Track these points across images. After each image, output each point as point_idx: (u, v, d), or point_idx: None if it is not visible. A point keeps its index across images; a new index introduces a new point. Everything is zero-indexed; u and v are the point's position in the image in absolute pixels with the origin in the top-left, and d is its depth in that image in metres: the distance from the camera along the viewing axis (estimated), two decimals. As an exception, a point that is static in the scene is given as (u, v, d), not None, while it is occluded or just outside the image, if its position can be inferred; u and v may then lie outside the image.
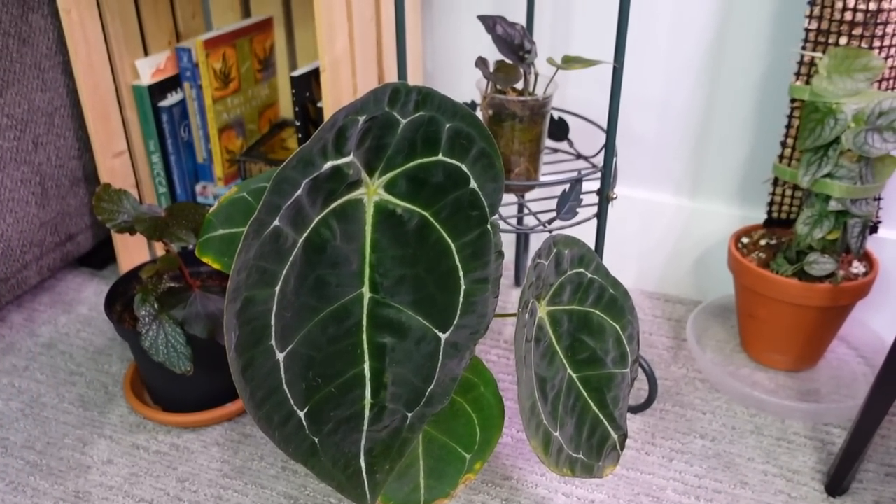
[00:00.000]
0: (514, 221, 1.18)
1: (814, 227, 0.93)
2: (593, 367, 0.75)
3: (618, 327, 0.77)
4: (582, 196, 0.83)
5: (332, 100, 0.96)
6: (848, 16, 0.88)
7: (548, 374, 0.71)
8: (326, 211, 0.59)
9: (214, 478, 0.88)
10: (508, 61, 0.86)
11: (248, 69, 1.22)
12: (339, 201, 0.60)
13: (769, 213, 1.03)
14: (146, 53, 1.17)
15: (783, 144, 0.97)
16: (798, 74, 0.93)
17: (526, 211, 1.10)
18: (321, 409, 0.59)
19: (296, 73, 1.07)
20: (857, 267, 0.98)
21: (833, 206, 0.91)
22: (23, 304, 1.19)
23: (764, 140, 1.07)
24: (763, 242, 1.04)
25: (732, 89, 1.06)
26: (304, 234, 0.58)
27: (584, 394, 0.74)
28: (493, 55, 1.14)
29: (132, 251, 1.21)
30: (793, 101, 0.95)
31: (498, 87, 0.87)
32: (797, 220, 0.94)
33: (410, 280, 0.62)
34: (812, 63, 0.92)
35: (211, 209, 0.71)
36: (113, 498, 0.85)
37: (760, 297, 0.98)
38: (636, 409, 0.97)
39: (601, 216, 0.87)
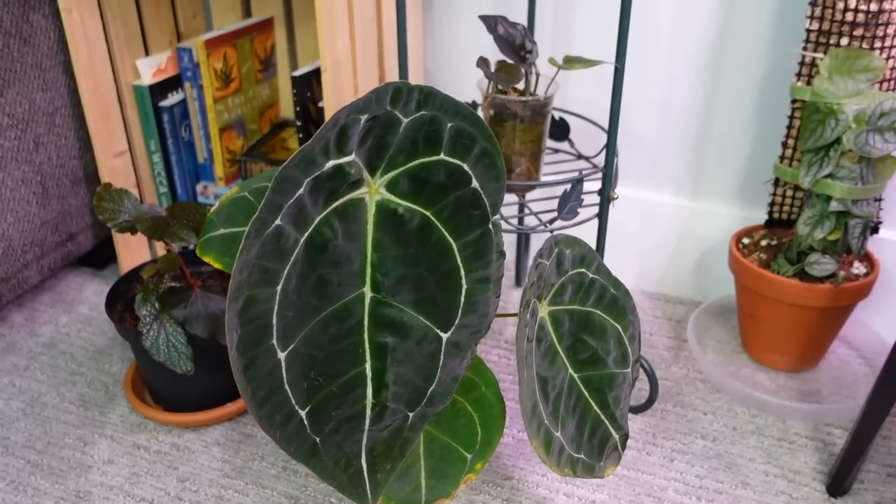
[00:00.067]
0: (514, 221, 1.18)
1: (815, 227, 0.93)
2: (595, 367, 0.75)
3: (619, 327, 0.77)
4: (583, 196, 0.83)
5: (334, 100, 0.96)
6: (849, 16, 0.88)
7: (549, 374, 0.71)
8: (328, 210, 0.59)
9: (215, 478, 0.88)
10: (510, 61, 0.86)
11: (249, 69, 1.22)
12: (341, 200, 0.60)
13: (770, 213, 1.03)
14: (147, 53, 1.17)
15: (784, 145, 0.97)
16: (799, 75, 0.93)
17: (527, 211, 1.10)
18: (322, 409, 0.59)
19: (297, 73, 1.07)
20: (858, 267, 0.98)
21: (834, 206, 0.91)
22: (23, 304, 1.19)
23: (765, 140, 1.07)
24: (764, 243, 1.04)
25: (733, 89, 1.06)
26: (306, 234, 0.58)
27: (586, 394, 0.74)
28: (495, 55, 1.14)
29: (133, 251, 1.21)
30: (794, 101, 0.95)
31: (499, 87, 0.87)
32: (798, 221, 0.94)
33: (412, 280, 0.62)
34: (813, 63, 0.92)
35: (212, 209, 0.71)
36: (113, 498, 0.85)
37: (761, 297, 0.98)
38: (637, 410, 0.97)
39: (602, 216, 0.87)
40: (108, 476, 0.88)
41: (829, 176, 0.90)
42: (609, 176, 0.84)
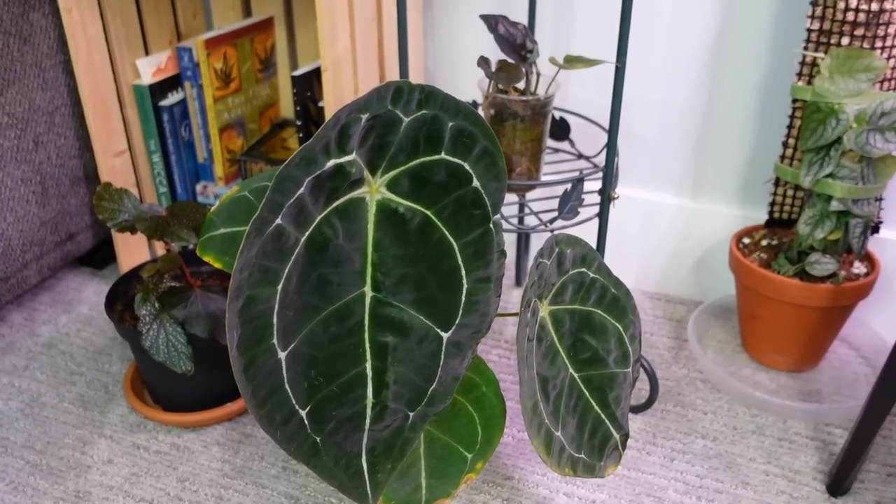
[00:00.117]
0: (515, 221, 1.18)
1: (815, 227, 0.92)
2: (595, 366, 0.75)
3: (620, 327, 0.77)
4: (583, 196, 0.83)
5: (334, 99, 0.95)
6: (850, 16, 0.88)
7: (550, 373, 0.71)
8: (329, 209, 0.59)
9: (215, 477, 0.88)
10: (510, 61, 0.86)
11: (249, 69, 1.22)
12: (342, 200, 0.60)
13: (770, 213, 1.03)
14: (147, 53, 1.17)
15: (785, 145, 0.97)
16: (800, 75, 0.93)
17: (527, 210, 1.10)
18: (323, 409, 0.58)
19: (297, 73, 1.07)
20: (859, 267, 0.98)
21: (835, 206, 0.91)
22: (23, 304, 1.19)
23: (765, 140, 1.07)
24: (764, 243, 1.04)
25: (734, 89, 1.06)
26: (307, 233, 0.58)
27: (586, 393, 0.74)
28: (495, 55, 1.14)
29: (133, 250, 1.21)
30: (794, 101, 0.95)
31: (500, 86, 0.87)
32: (798, 221, 0.94)
33: (412, 279, 0.62)
34: (814, 63, 0.92)
35: (212, 208, 0.71)
36: (113, 498, 0.85)
37: (762, 297, 0.98)
38: (637, 410, 0.97)
39: (603, 216, 0.86)
40: (108, 476, 0.88)
41: (830, 175, 0.90)
42: (609, 176, 0.84)
